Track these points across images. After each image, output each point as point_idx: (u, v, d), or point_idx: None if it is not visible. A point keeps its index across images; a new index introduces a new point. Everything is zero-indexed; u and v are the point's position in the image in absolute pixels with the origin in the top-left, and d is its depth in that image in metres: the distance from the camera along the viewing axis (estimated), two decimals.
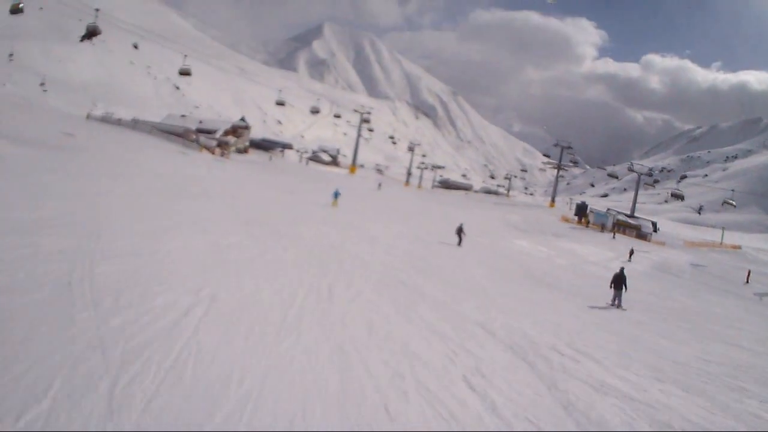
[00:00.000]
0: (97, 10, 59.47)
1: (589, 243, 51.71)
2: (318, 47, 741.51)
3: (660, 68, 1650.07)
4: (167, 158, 49.89)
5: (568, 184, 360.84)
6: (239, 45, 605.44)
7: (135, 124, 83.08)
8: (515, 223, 59.49)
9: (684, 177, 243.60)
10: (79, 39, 52.90)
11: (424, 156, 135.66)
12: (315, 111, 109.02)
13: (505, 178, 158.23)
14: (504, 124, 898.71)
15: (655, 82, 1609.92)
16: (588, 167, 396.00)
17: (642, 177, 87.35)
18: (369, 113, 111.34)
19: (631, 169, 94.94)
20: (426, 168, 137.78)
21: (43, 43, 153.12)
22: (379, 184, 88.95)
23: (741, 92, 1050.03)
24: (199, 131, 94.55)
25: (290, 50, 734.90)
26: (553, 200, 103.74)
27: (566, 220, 73.48)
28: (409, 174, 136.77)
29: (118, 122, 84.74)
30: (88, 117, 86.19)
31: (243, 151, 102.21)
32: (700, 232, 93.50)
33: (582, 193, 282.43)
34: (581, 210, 76.28)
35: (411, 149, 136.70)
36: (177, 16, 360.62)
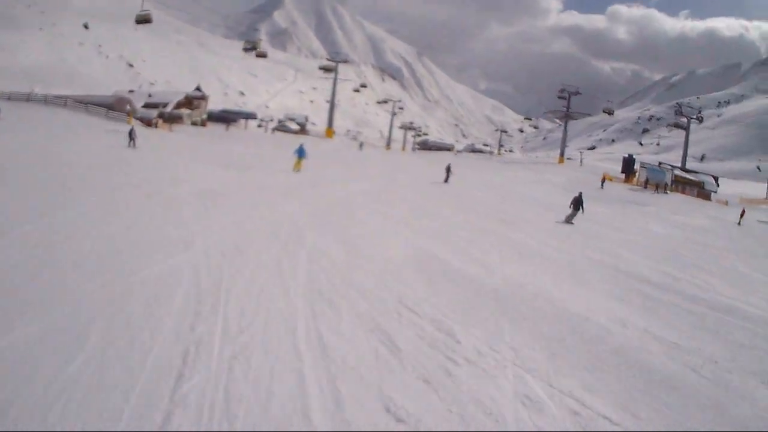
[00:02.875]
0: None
1: (692, 212, 41.00)
2: (279, 17, 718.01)
3: (626, 18, 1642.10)
4: (80, 137, 38.27)
5: (544, 139, 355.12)
6: (199, 21, 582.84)
7: (46, 99, 67.71)
8: (563, 185, 47.55)
9: (676, 125, 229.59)
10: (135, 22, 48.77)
11: (394, 114, 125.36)
12: (362, 86, 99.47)
13: (502, 131, 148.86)
14: (470, 82, 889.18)
15: (621, 33, 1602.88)
16: (557, 121, 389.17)
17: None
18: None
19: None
20: (407, 129, 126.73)
21: None
22: (361, 144, 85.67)
23: (711, 39, 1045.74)
24: (148, 106, 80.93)
25: (251, 22, 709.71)
26: (562, 155, 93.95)
27: (609, 178, 59.74)
28: (390, 136, 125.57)
29: (27, 98, 68.99)
30: None
31: (201, 124, 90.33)
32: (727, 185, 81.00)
33: (566, 146, 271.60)
34: (628, 165, 63.32)
35: (394, 113, 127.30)
36: None
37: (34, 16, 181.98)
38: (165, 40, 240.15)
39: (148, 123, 62.98)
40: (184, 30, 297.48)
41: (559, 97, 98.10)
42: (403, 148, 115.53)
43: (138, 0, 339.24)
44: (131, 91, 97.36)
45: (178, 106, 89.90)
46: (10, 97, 67.76)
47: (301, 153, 31.48)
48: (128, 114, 60.68)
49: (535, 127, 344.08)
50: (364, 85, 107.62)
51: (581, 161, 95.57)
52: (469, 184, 38.77)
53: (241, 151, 45.12)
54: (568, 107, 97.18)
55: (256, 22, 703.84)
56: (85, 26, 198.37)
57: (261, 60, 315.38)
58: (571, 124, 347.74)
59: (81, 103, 64.16)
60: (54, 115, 52.98)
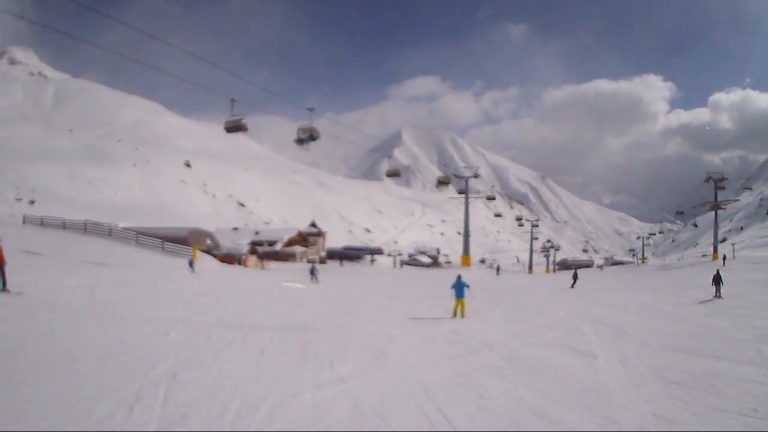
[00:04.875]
0: (311, 109, 42.55)
1: None
2: (399, 154, 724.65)
3: (726, 105, 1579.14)
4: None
5: (672, 241, 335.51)
6: (318, 163, 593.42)
7: (86, 227, 57.53)
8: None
9: None
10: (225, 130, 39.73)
11: (532, 235, 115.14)
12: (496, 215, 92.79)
13: (643, 237, 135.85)
14: (594, 198, 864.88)
15: (724, 121, 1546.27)
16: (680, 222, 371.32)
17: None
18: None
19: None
20: (549, 249, 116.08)
21: (69, 165, 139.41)
22: (498, 268, 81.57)
23: None
24: (254, 244, 76.11)
25: (372, 161, 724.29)
26: (715, 251, 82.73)
27: None
28: (531, 258, 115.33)
29: (63, 226, 59.07)
30: (24, 221, 62.30)
31: (320, 262, 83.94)
32: None
33: (695, 245, 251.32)
34: None
35: (535, 225, 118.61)
36: (248, 139, 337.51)
37: (126, 152, 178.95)
38: (279, 181, 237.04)
39: (229, 260, 55.10)
40: (301, 171, 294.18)
41: (706, 180, 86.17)
42: (547, 271, 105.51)
43: (253, 145, 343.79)
44: (235, 229, 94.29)
45: (291, 243, 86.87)
46: (42, 222, 60.18)
47: (460, 289, 21.47)
48: (194, 248, 51.44)
49: (661, 232, 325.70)
50: (498, 215, 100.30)
51: (734, 254, 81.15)
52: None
53: (353, 294, 35.66)
54: (716, 196, 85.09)
55: (377, 161, 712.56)
56: (187, 164, 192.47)
57: (387, 197, 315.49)
58: (698, 221, 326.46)
59: (145, 235, 55.00)
60: (80, 246, 45.04)
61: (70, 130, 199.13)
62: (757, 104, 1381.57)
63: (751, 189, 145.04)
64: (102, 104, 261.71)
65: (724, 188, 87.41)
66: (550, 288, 44.54)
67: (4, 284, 18.76)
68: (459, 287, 21.37)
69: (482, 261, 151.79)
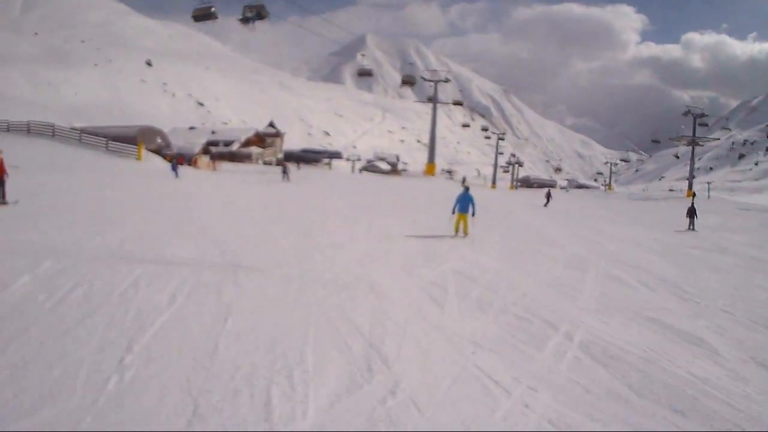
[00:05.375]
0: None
1: None
2: (362, 59, 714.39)
3: (700, 46, 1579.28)
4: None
5: (636, 171, 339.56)
6: (280, 65, 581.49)
7: (29, 128, 54.01)
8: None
9: None
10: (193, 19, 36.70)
11: (498, 150, 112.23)
12: (465, 125, 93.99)
13: (611, 163, 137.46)
14: (557, 118, 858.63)
15: (696, 61, 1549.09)
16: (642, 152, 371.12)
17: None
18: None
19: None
20: (515, 165, 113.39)
21: (31, 68, 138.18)
22: (464, 180, 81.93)
23: None
24: (210, 144, 74.22)
25: (334, 65, 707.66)
26: (690, 188, 78.54)
27: None
28: (495, 172, 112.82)
29: (6, 129, 55.06)
30: None
31: (278, 164, 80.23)
32: None
33: (661, 178, 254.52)
34: None
35: (500, 138, 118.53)
36: (212, 39, 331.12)
37: (89, 52, 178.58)
38: (240, 81, 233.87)
39: (179, 160, 51.87)
40: (262, 71, 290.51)
41: (685, 113, 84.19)
42: (512, 187, 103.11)
43: (216, 44, 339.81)
44: (192, 128, 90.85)
45: (247, 144, 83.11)
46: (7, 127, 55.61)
47: (465, 204, 18.23)
48: (139, 147, 48.39)
49: (626, 161, 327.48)
50: (467, 125, 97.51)
51: (708, 195, 78.41)
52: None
53: (302, 201, 30.93)
54: (694, 131, 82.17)
55: (339, 64, 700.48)
56: (148, 63, 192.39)
57: (348, 101, 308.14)
58: (664, 154, 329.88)
59: (95, 135, 51.40)
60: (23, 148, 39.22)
61: (36, 34, 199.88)
62: (731, 50, 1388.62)
63: (730, 129, 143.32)
64: (68, 7, 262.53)
65: (707, 125, 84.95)
66: (527, 206, 41.87)
67: (3, 196, 17.52)
68: (464, 201, 18.14)
69: (449, 172, 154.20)
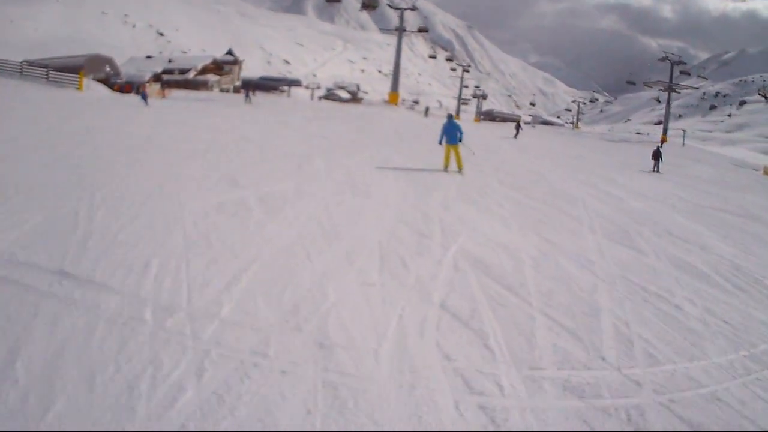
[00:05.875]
0: None
1: None
2: None
3: None
4: None
5: (601, 111, 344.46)
6: None
7: None
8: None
9: (743, 102, 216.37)
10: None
11: (463, 82, 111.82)
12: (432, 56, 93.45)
13: (579, 102, 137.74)
14: (521, 55, 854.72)
15: (667, 11, 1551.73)
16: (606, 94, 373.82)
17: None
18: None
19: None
20: (480, 97, 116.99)
21: None
22: (426, 110, 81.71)
23: (752, 20, 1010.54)
24: (166, 73, 73.25)
25: None
26: (665, 132, 78.50)
27: None
28: (460, 104, 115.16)
29: None
30: None
31: (235, 91, 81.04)
32: None
33: (627, 120, 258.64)
34: None
35: (466, 70, 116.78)
36: None
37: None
38: (201, 10, 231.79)
39: (127, 89, 47.24)
40: (224, 1, 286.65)
41: (663, 59, 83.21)
42: (477, 119, 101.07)
43: None
44: (149, 57, 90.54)
45: (204, 71, 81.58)
46: None
47: (453, 134, 16.54)
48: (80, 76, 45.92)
49: (592, 101, 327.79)
50: (433, 56, 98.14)
51: (683, 142, 76.73)
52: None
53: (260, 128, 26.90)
54: (671, 77, 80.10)
55: None
56: None
57: (308, 30, 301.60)
58: (631, 98, 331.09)
59: (41, 67, 48.77)
60: None
61: None
62: (704, 4, 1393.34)
63: (707, 79, 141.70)
64: None
65: (689, 73, 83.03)
66: (502, 139, 41.38)
67: None
68: (451, 131, 16.55)
69: (415, 102, 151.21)
